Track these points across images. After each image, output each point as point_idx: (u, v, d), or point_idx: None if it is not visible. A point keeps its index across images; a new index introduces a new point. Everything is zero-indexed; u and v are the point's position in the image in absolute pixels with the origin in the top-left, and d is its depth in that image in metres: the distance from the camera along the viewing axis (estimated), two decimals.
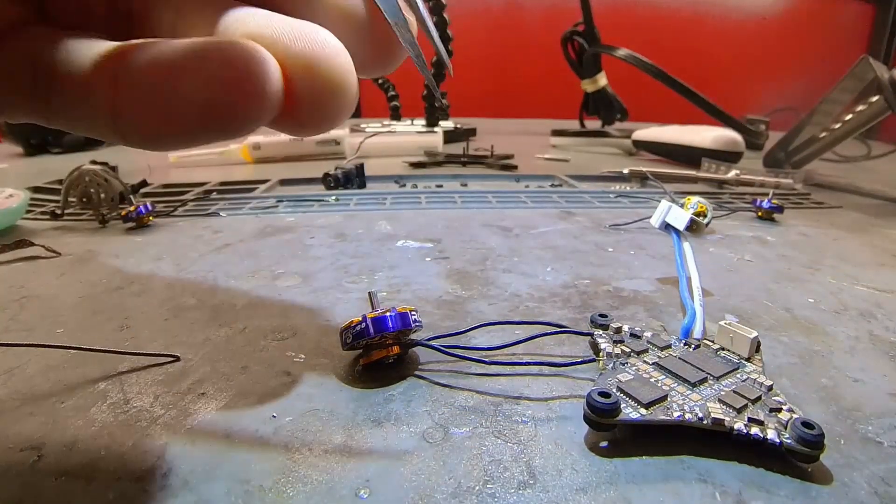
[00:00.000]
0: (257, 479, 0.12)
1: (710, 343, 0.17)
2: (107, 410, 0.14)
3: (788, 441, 0.12)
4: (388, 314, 0.15)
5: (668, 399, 0.14)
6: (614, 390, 0.14)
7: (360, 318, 0.15)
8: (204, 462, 0.12)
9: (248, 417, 0.14)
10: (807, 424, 0.12)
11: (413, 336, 0.17)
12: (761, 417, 0.13)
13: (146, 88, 0.12)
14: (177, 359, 0.17)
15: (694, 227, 0.21)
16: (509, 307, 0.21)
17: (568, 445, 0.13)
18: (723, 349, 0.16)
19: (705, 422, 0.13)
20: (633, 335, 0.17)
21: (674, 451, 0.13)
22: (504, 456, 0.13)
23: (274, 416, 0.14)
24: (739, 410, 0.13)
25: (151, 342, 0.18)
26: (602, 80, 0.82)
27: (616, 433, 0.13)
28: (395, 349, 0.16)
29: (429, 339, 0.17)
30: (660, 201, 0.23)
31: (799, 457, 0.12)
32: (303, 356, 0.17)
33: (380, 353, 0.16)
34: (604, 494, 0.11)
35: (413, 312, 0.16)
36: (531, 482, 0.12)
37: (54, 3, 0.14)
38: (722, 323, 0.17)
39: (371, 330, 0.15)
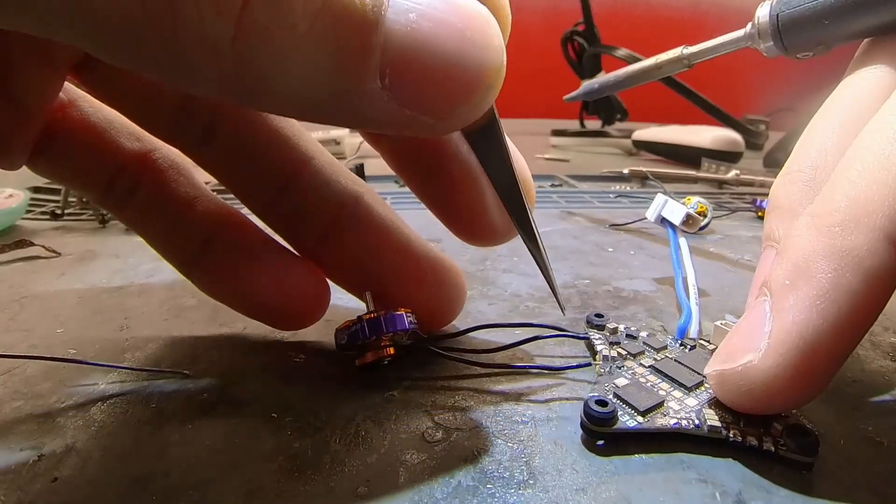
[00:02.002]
0: (257, 478, 0.12)
1: (705, 343, 0.17)
2: (106, 410, 0.14)
3: (783, 449, 0.12)
4: (382, 316, 0.15)
5: (665, 405, 0.13)
6: (611, 397, 0.14)
7: (355, 320, 0.15)
8: (204, 462, 0.12)
9: (248, 417, 0.14)
10: (802, 431, 0.12)
11: (411, 336, 0.17)
12: (756, 424, 0.13)
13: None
14: (187, 376, 0.16)
15: (689, 222, 0.21)
16: (509, 307, 0.21)
17: (568, 445, 0.13)
18: None
19: (702, 429, 0.13)
20: (629, 336, 0.17)
21: (673, 450, 0.13)
22: (504, 456, 0.13)
23: (274, 416, 0.14)
24: (735, 415, 0.13)
25: (151, 342, 0.18)
26: None
27: (629, 441, 0.13)
28: (391, 350, 0.16)
29: (425, 339, 0.17)
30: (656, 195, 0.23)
31: (794, 464, 0.12)
32: (303, 356, 0.17)
33: (375, 355, 0.15)
34: (604, 494, 0.11)
35: (409, 314, 0.16)
36: (531, 482, 0.12)
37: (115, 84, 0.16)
38: (718, 323, 0.17)
39: (365, 331, 0.15)
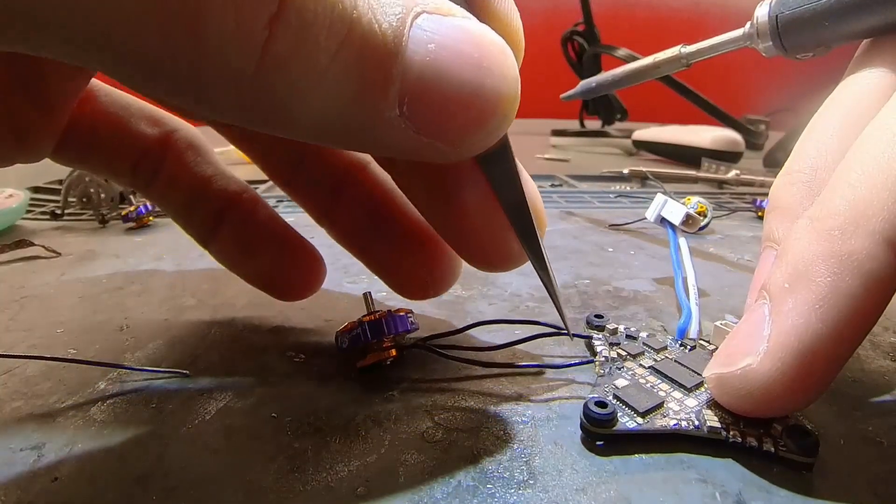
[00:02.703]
0: (258, 478, 0.12)
1: (705, 344, 0.17)
2: (107, 410, 0.14)
3: (783, 449, 0.12)
4: (383, 318, 0.15)
5: (665, 406, 0.13)
6: (611, 398, 0.14)
7: (356, 323, 0.15)
8: (204, 462, 0.12)
9: (248, 417, 0.14)
10: (802, 432, 0.12)
11: (410, 337, 0.17)
12: (756, 424, 0.13)
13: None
14: (187, 376, 0.16)
15: (689, 223, 0.21)
16: (509, 307, 0.21)
17: (568, 445, 0.13)
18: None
19: (701, 430, 0.13)
20: (629, 336, 0.17)
21: (673, 450, 0.13)
22: (504, 456, 0.13)
23: (274, 416, 0.14)
24: (735, 416, 0.13)
25: (151, 342, 0.18)
26: None
27: (629, 442, 0.13)
28: (393, 352, 0.16)
29: (426, 339, 0.17)
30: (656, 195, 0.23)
31: (794, 464, 0.12)
32: (303, 356, 0.17)
33: (376, 357, 0.15)
34: (604, 494, 0.11)
35: (409, 314, 0.16)
36: (531, 482, 0.12)
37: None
38: (718, 323, 0.17)
39: (367, 334, 0.15)
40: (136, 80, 0.09)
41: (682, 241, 0.21)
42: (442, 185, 0.14)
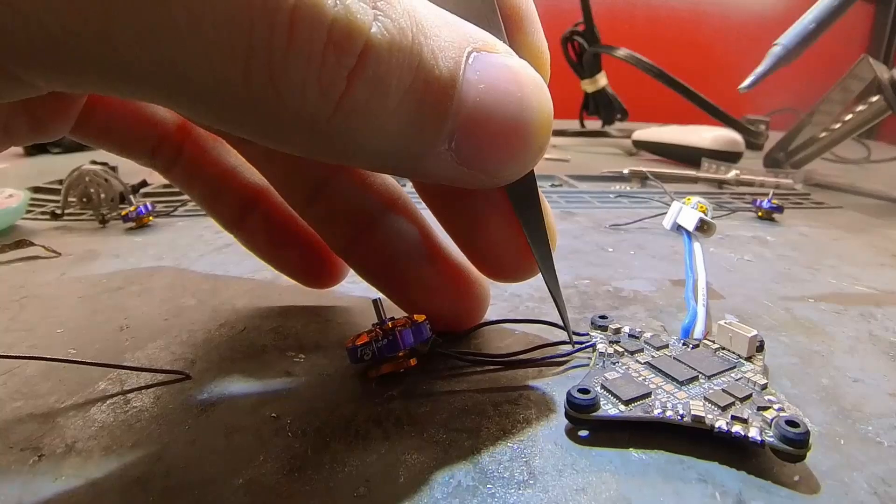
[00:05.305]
0: (257, 478, 0.12)
1: (709, 343, 0.17)
2: (107, 410, 0.14)
3: (771, 439, 0.12)
4: (408, 328, 0.15)
5: (652, 396, 0.14)
6: (597, 387, 0.14)
7: (374, 333, 0.15)
8: (204, 462, 0.12)
9: (248, 417, 0.14)
10: (791, 423, 0.12)
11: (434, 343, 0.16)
12: (745, 416, 0.13)
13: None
14: (188, 377, 0.16)
15: (705, 228, 0.21)
16: (509, 307, 0.21)
17: (568, 445, 0.13)
18: (722, 349, 0.16)
19: (685, 419, 0.13)
20: (631, 336, 0.17)
21: (673, 450, 0.13)
22: (504, 456, 0.13)
23: (274, 416, 0.14)
24: (724, 408, 0.13)
25: (151, 342, 0.18)
26: (602, 80, 0.82)
27: (617, 432, 0.13)
28: (412, 362, 0.15)
29: (441, 346, 0.16)
30: (670, 203, 0.23)
31: (783, 456, 0.12)
32: (303, 356, 0.17)
33: (394, 366, 0.15)
34: (604, 494, 0.11)
35: (426, 321, 0.16)
36: (531, 482, 0.12)
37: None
38: (721, 322, 0.17)
39: (393, 346, 0.15)
40: (210, 119, 0.09)
41: (697, 246, 0.21)
42: (465, 201, 0.15)
